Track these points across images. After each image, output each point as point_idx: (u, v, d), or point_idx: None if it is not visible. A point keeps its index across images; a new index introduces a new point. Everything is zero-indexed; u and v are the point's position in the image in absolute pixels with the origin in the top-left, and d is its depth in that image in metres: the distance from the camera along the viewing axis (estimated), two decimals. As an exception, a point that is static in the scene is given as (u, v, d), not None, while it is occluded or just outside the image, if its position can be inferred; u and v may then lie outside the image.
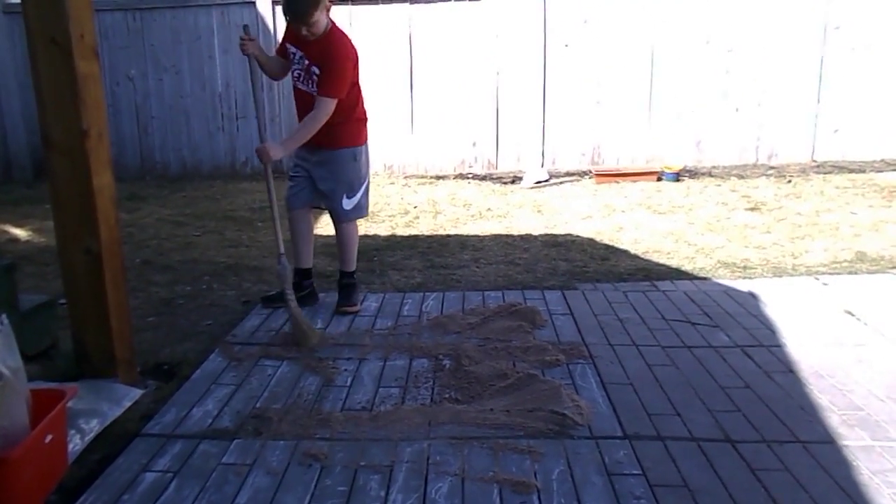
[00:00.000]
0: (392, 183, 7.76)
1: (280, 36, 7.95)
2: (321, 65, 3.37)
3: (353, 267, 3.83)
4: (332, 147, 3.55)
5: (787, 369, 2.97)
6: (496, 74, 7.91)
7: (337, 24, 3.45)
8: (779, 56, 7.63)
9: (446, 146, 8.13)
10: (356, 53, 3.48)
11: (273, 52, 3.72)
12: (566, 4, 7.71)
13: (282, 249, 3.49)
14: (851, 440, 2.43)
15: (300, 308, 3.48)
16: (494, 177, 7.92)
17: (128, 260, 3.48)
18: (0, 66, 8.29)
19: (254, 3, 7.92)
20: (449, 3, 7.84)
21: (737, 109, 7.79)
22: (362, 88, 3.60)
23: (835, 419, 2.56)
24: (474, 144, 8.11)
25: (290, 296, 3.42)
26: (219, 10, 7.93)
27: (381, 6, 7.91)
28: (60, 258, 2.83)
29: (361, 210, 3.72)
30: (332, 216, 3.78)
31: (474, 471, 2.28)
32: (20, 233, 5.98)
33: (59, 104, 2.65)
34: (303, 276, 3.85)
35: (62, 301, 3.04)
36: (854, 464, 2.30)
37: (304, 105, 3.48)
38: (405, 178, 8.04)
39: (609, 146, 7.97)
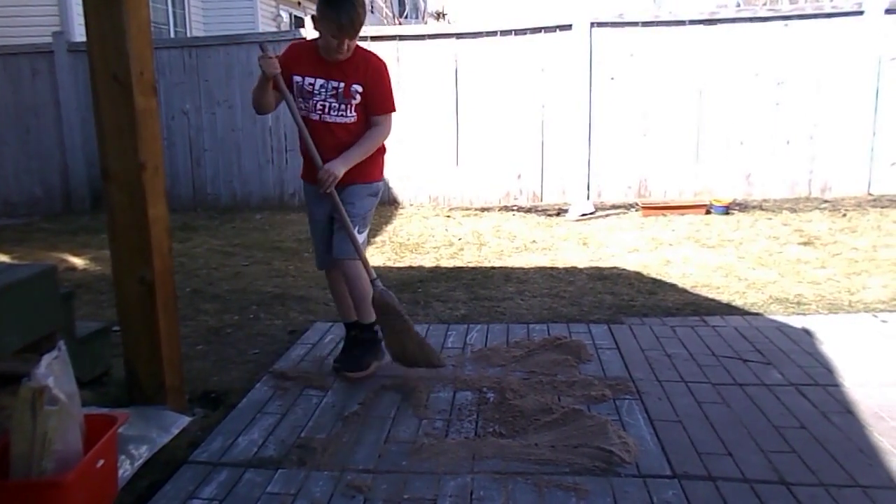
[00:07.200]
0: (437, 215, 7.81)
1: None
2: (366, 82, 3.05)
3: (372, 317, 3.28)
4: (364, 181, 3.20)
5: (845, 410, 2.86)
6: (541, 107, 7.94)
7: None
8: (831, 88, 7.50)
9: (491, 179, 8.16)
10: None
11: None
12: (612, 38, 7.73)
13: (374, 275, 3.16)
14: (915, 486, 2.32)
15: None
16: (539, 209, 7.91)
17: (179, 289, 3.55)
18: (63, 102, 8.69)
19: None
20: (495, 37, 7.94)
21: (788, 142, 7.66)
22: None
23: (897, 463, 2.45)
24: (519, 177, 8.13)
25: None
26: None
27: (427, 41, 8.05)
28: (115, 286, 2.90)
29: (361, 248, 3.15)
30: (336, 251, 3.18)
31: (518, 507, 2.24)
32: (78, 261, 6.17)
33: (119, 138, 2.74)
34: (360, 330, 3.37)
35: (116, 328, 3.12)
36: (919, 511, 2.19)
37: (333, 140, 3.09)
38: (450, 209, 8.08)
39: (656, 179, 7.90)
